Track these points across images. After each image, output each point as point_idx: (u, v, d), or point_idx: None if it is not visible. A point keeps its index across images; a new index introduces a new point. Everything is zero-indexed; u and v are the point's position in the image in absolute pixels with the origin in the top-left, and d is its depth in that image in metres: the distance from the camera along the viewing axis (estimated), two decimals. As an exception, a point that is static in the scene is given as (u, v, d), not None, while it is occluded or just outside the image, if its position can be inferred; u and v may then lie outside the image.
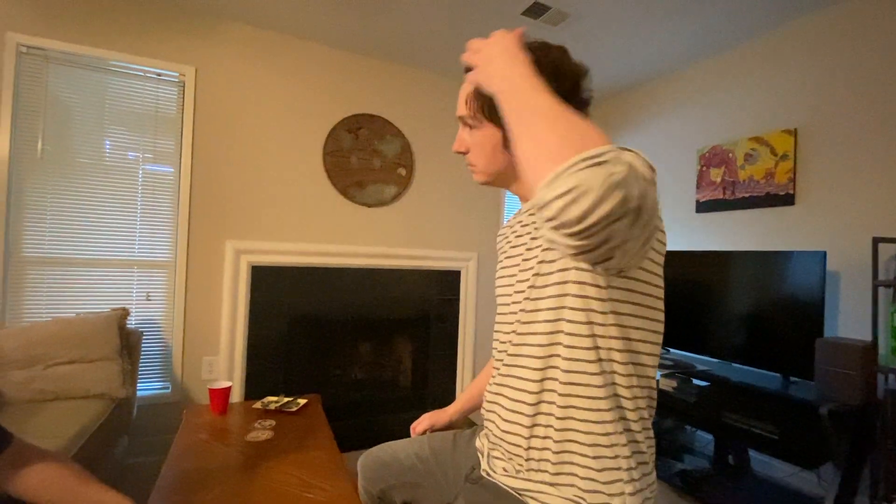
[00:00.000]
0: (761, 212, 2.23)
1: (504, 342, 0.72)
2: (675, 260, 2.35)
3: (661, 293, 0.62)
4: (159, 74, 2.24)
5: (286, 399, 1.77)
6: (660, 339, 0.63)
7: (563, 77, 0.64)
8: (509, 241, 0.79)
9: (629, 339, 0.60)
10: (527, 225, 0.74)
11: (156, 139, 2.24)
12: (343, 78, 2.58)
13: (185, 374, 2.25)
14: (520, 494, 0.66)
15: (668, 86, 2.78)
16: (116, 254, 2.16)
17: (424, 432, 1.05)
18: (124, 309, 1.95)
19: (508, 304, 0.72)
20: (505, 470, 0.68)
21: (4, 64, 1.98)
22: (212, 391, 1.63)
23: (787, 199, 2.11)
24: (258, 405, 1.72)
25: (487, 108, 0.67)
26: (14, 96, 2.00)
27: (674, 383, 2.03)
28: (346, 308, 2.56)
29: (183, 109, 2.27)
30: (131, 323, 2.13)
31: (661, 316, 0.63)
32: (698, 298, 2.19)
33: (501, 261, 0.80)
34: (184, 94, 2.28)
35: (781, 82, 2.17)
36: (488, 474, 0.71)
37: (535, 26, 2.26)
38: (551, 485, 0.63)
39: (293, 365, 2.45)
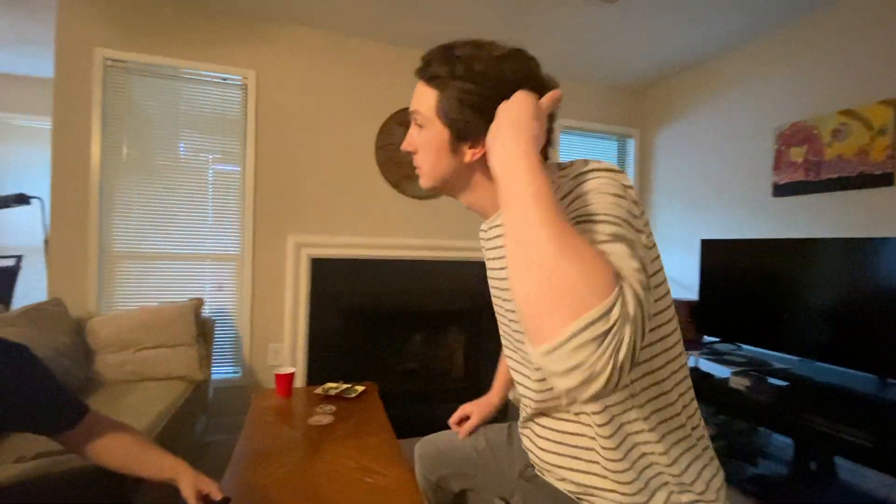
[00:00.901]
0: (853, 194, 1.99)
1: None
2: (747, 249, 2.17)
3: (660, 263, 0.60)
4: (225, 79, 2.38)
5: (345, 386, 1.84)
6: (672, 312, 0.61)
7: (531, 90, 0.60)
8: (486, 246, 0.78)
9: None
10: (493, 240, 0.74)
11: (223, 140, 2.39)
12: (394, 72, 2.61)
13: (253, 360, 2.40)
14: (578, 499, 0.63)
15: (739, 60, 2.55)
16: (191, 248, 2.34)
17: (475, 430, 1.04)
18: (199, 299, 2.11)
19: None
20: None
21: (94, 77, 2.19)
22: (277, 376, 1.73)
23: (885, 179, 1.87)
24: (319, 391, 1.80)
25: (440, 108, 0.63)
26: (102, 106, 2.20)
27: (747, 382, 1.88)
28: (399, 299, 2.62)
29: (246, 111, 2.40)
30: (205, 312, 2.30)
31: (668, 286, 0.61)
32: (775, 290, 2.01)
33: (490, 260, 0.78)
34: (246, 96, 2.40)
35: (878, 46, 1.92)
36: (542, 473, 0.70)
37: (594, 6, 2.15)
38: (616, 482, 0.60)
39: (350, 353, 2.55)
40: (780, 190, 2.30)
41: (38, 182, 3.15)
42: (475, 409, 1.06)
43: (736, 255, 2.21)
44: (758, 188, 2.42)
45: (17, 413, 0.87)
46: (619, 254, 0.43)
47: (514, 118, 0.52)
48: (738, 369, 1.93)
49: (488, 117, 0.58)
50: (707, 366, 2.25)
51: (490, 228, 0.75)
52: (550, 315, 0.37)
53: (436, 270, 2.67)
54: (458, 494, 1.00)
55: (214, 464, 2.01)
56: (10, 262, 2.91)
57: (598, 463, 0.60)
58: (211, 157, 2.38)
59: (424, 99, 0.64)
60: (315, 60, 2.50)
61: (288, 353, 2.42)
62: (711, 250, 2.34)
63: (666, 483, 0.59)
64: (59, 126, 2.15)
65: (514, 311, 0.67)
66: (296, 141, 2.47)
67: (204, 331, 2.08)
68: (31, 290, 3.04)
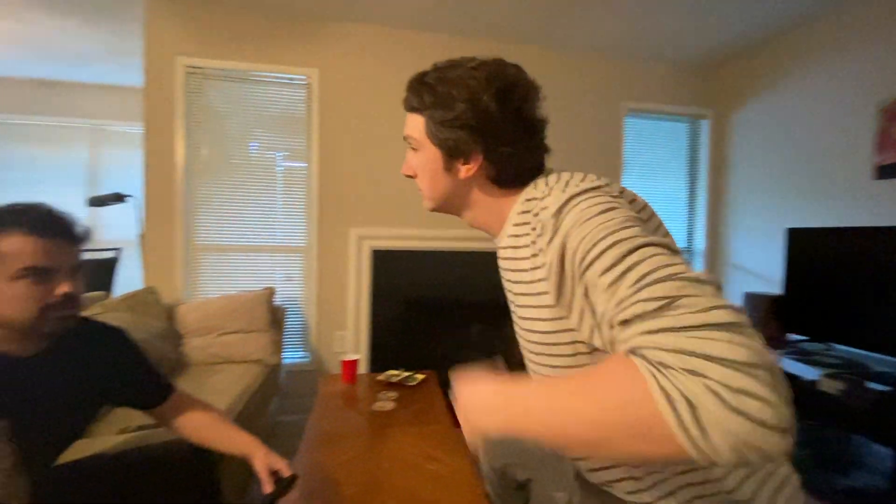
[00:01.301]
0: (979, 174, 1.72)
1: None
2: (843, 238, 1.95)
3: None
4: (290, 79, 2.50)
5: (406, 374, 1.89)
6: None
7: (510, 97, 0.61)
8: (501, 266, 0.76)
9: None
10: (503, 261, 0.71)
11: (290, 138, 2.52)
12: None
13: (320, 346, 2.54)
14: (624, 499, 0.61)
15: (830, 27, 2.27)
16: (263, 240, 2.50)
17: None
18: (271, 288, 2.26)
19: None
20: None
21: (177, 84, 2.38)
22: (343, 363, 1.81)
23: None
24: (382, 377, 1.87)
25: (428, 131, 0.64)
26: (185, 110, 2.39)
27: (841, 385, 1.70)
28: (459, 290, 2.64)
29: (310, 109, 2.51)
30: (276, 300, 2.45)
31: None
32: (875, 284, 1.79)
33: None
34: (310, 95, 2.51)
35: None
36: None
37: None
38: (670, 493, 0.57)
39: (410, 342, 2.61)
40: (885, 171, 2.03)
41: (131, 182, 3.50)
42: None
43: (829, 245, 1.99)
44: (855, 170, 2.16)
45: (116, 389, 0.99)
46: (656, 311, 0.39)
47: (468, 420, 0.52)
48: (830, 371, 1.75)
49: (473, 130, 0.60)
50: (793, 366, 2.06)
51: (499, 250, 0.74)
52: (653, 451, 0.36)
53: (495, 261, 2.65)
54: (521, 483, 1.00)
55: (285, 442, 2.15)
56: (111, 255, 3.27)
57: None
58: (279, 154, 2.52)
59: (414, 124, 0.66)
60: (375, 55, 2.56)
61: (351, 341, 2.53)
62: (799, 240, 2.12)
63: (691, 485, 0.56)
64: (150, 130, 2.36)
65: (522, 332, 0.66)
66: (357, 135, 2.54)
67: (276, 318, 2.22)
68: (128, 279, 3.40)
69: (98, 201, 2.67)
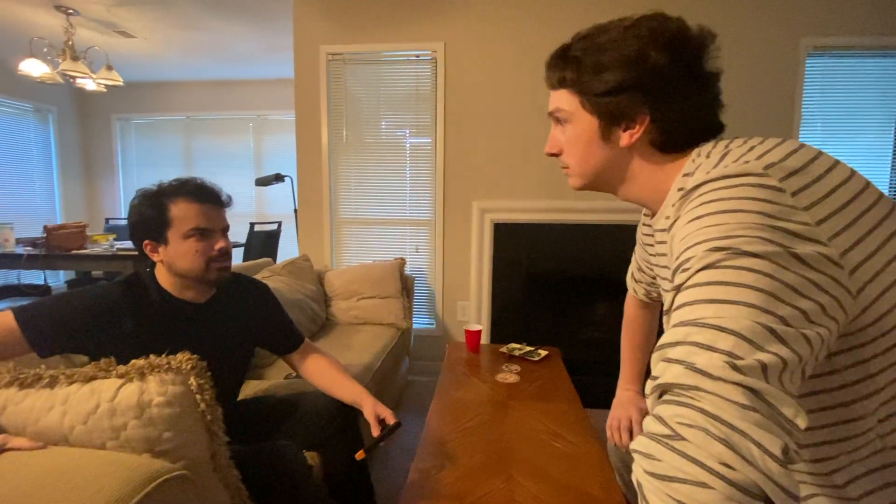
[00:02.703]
0: None
1: None
2: None
3: None
4: (417, 56, 2.57)
5: (528, 348, 1.89)
6: None
7: (682, 50, 0.53)
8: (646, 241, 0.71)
9: None
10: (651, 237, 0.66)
11: (417, 115, 2.61)
12: (577, 31, 2.39)
13: (445, 314, 2.67)
14: None
15: None
16: (394, 214, 2.68)
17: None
18: (402, 258, 2.42)
19: None
20: None
21: (321, 71, 2.62)
22: (467, 332, 1.88)
23: None
24: (504, 349, 1.89)
25: (582, 102, 0.58)
26: (327, 96, 2.63)
27: None
28: (582, 265, 2.51)
29: (436, 84, 2.55)
30: (407, 271, 2.63)
31: None
32: None
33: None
34: (436, 70, 2.55)
35: None
36: None
37: None
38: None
39: (531, 316, 2.59)
40: None
41: (289, 164, 4.03)
42: (624, 412, 1.02)
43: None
44: None
45: (264, 333, 1.20)
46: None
47: None
48: None
49: (639, 91, 0.53)
50: None
51: (655, 232, 0.67)
52: None
53: (621, 235, 2.45)
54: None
55: (415, 399, 2.35)
56: (273, 227, 3.85)
57: None
58: (407, 131, 2.64)
59: (561, 98, 0.60)
60: (498, 23, 2.47)
61: (474, 311, 2.61)
62: None
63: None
64: (300, 116, 2.67)
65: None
66: (480, 109, 2.52)
67: (406, 286, 2.39)
68: (287, 248, 3.98)
69: (263, 182, 3.13)
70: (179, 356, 0.73)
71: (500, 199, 2.54)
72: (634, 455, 0.36)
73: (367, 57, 2.61)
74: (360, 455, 1.00)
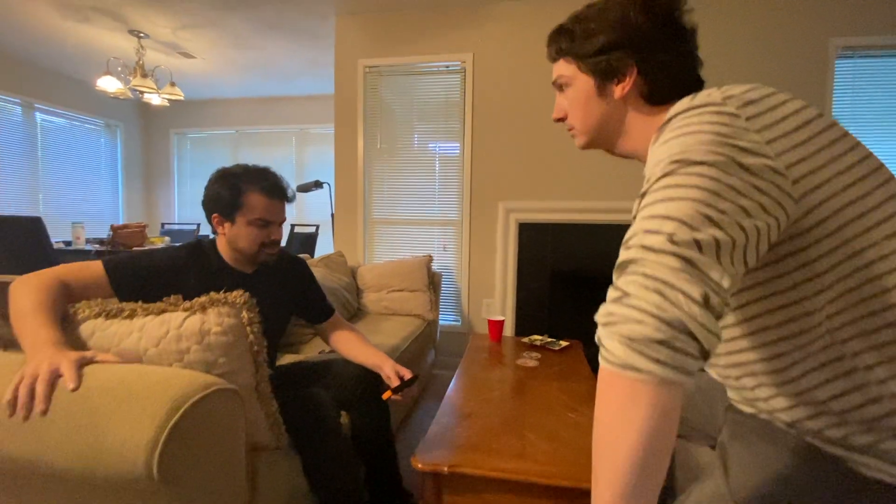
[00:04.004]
0: None
1: None
2: None
3: None
4: (447, 66, 2.73)
5: (550, 339, 1.94)
6: None
7: (657, 8, 0.62)
8: None
9: None
10: None
11: (446, 121, 2.76)
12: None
13: (470, 311, 2.75)
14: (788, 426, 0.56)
15: None
16: (423, 214, 2.81)
17: None
18: (429, 255, 2.54)
19: None
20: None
21: (358, 84, 2.82)
22: (490, 322, 1.95)
23: None
24: (526, 340, 1.96)
25: (578, 65, 0.67)
26: (364, 106, 2.83)
27: None
28: (605, 264, 2.54)
29: (464, 93, 2.70)
30: (434, 268, 2.74)
31: None
32: None
33: None
34: (465, 79, 2.70)
35: None
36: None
37: None
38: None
39: (555, 313, 2.63)
40: None
41: (326, 172, 4.28)
42: None
43: None
44: None
45: (300, 302, 1.34)
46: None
47: None
48: None
49: (625, 45, 0.62)
50: None
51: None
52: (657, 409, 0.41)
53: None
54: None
55: (439, 391, 2.42)
56: (312, 230, 4.07)
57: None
58: (437, 137, 2.79)
59: (562, 66, 0.70)
60: (524, 32, 2.61)
61: (498, 308, 2.67)
62: None
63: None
64: (339, 127, 2.87)
65: None
66: (506, 114, 2.65)
67: (433, 281, 2.50)
68: (324, 248, 4.19)
69: (303, 188, 3.35)
70: (235, 293, 0.86)
71: (524, 200, 2.63)
72: (597, 321, 0.45)
73: (401, 68, 2.79)
74: (386, 395, 1.13)
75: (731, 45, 2.38)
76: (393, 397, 1.16)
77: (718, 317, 0.40)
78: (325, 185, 3.23)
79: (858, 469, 0.49)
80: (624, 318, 0.40)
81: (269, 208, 1.13)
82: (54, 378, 0.71)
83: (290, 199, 1.21)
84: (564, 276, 2.61)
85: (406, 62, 2.76)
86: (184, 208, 5.15)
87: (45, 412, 0.68)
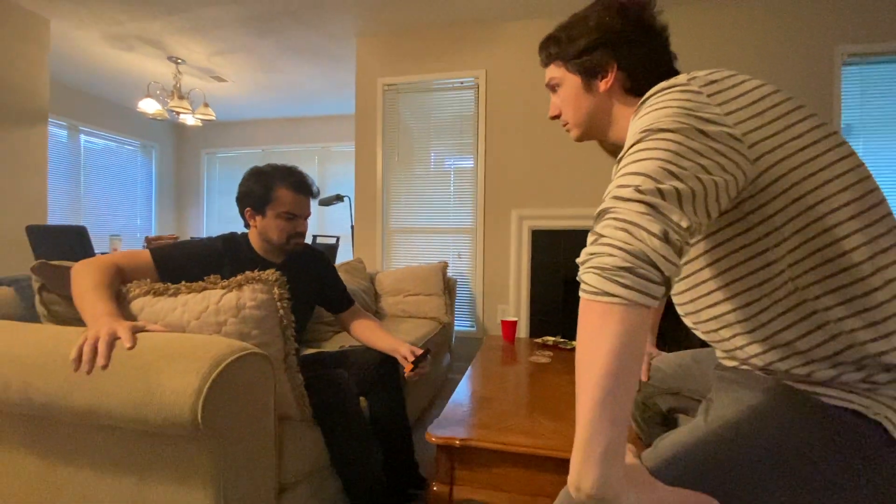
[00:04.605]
0: None
1: None
2: None
3: None
4: (462, 82, 2.87)
5: (562, 339, 1.98)
6: None
7: (628, 11, 0.71)
8: None
9: None
10: None
11: (461, 133, 2.88)
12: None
13: (485, 317, 2.81)
14: (762, 371, 0.61)
15: None
16: (438, 223, 2.91)
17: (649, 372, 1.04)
18: (445, 262, 2.62)
19: None
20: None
21: (377, 102, 2.98)
22: (503, 322, 2.02)
23: None
24: (538, 340, 2.01)
25: (566, 66, 0.76)
26: (382, 123, 2.98)
27: None
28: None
29: (478, 107, 2.83)
30: (449, 274, 2.82)
31: None
32: None
33: None
34: (478, 94, 2.83)
35: None
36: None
37: None
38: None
39: (568, 318, 2.67)
40: None
41: (347, 187, 4.45)
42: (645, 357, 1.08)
43: None
44: None
45: (322, 292, 1.45)
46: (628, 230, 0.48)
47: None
48: None
49: (604, 46, 0.72)
50: None
51: None
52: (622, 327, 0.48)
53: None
54: (665, 415, 1.02)
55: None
56: (333, 241, 4.22)
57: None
58: (451, 149, 2.91)
59: (552, 69, 0.80)
60: (533, 49, 2.73)
61: (513, 313, 2.72)
62: None
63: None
64: (359, 145, 3.02)
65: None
66: (517, 126, 2.75)
67: (448, 286, 2.57)
68: (343, 259, 4.31)
69: (326, 202, 3.50)
70: (268, 272, 0.96)
71: (537, 208, 2.70)
72: (578, 262, 0.52)
73: (418, 85, 2.94)
74: (408, 369, 1.25)
75: (738, 53, 2.45)
76: (415, 371, 1.27)
77: (679, 251, 0.47)
78: (345, 199, 3.38)
79: (821, 400, 0.55)
80: (598, 254, 0.48)
81: (296, 202, 1.25)
82: (113, 339, 0.81)
83: (315, 196, 1.34)
84: (576, 280, 2.65)
85: (422, 79, 2.91)
86: (212, 223, 5.39)
87: (105, 366, 0.78)
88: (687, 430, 0.60)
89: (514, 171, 2.76)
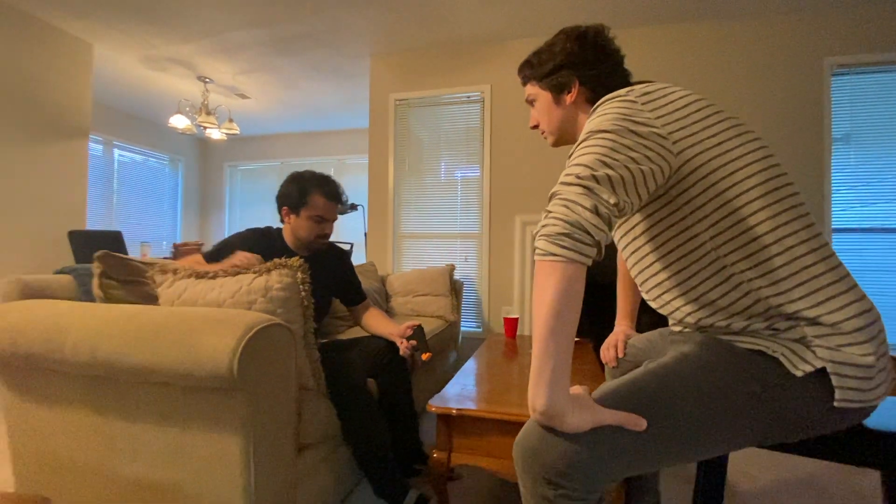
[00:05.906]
0: None
1: None
2: None
3: None
4: (468, 97, 3.05)
5: (560, 334, 2.10)
6: None
7: (585, 38, 0.87)
8: None
9: None
10: None
11: (467, 144, 3.05)
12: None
13: (490, 319, 2.93)
14: (694, 328, 0.75)
15: None
16: (446, 229, 3.07)
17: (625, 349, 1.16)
18: (452, 264, 2.77)
19: None
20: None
21: (390, 116, 3.17)
22: (506, 319, 2.14)
23: None
24: (538, 336, 2.12)
25: (540, 84, 0.91)
26: (394, 135, 3.17)
27: None
28: (616, 271, 2.68)
29: (483, 120, 3.00)
30: (456, 276, 2.96)
31: None
32: None
33: None
34: (483, 107, 3.00)
35: None
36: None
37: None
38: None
39: (571, 321, 2.77)
40: None
41: (361, 197, 4.65)
42: (618, 339, 1.22)
43: None
44: None
45: (340, 285, 1.61)
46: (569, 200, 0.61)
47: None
48: None
49: (567, 66, 0.87)
50: None
51: None
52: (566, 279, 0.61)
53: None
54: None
55: (462, 392, 2.58)
56: (347, 248, 4.41)
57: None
58: (459, 159, 3.08)
59: (529, 88, 0.96)
60: (537, 65, 2.90)
61: (517, 315, 2.84)
62: None
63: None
64: (372, 157, 3.22)
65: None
66: (521, 136, 2.91)
67: (455, 288, 2.71)
68: (357, 263, 4.49)
69: (341, 211, 3.70)
70: (293, 259, 1.13)
71: (539, 213, 2.84)
72: (533, 234, 0.67)
73: (427, 100, 3.13)
74: (425, 356, 1.42)
75: (727, 68, 2.58)
76: (409, 346, 1.44)
77: (608, 222, 0.61)
78: (359, 208, 3.56)
79: (736, 345, 0.68)
80: (546, 224, 0.62)
81: (327, 208, 1.43)
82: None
83: (344, 204, 1.52)
84: (578, 283, 2.76)
85: (431, 94, 3.10)
86: (233, 231, 5.63)
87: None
88: (630, 374, 0.73)
89: (517, 179, 2.91)
